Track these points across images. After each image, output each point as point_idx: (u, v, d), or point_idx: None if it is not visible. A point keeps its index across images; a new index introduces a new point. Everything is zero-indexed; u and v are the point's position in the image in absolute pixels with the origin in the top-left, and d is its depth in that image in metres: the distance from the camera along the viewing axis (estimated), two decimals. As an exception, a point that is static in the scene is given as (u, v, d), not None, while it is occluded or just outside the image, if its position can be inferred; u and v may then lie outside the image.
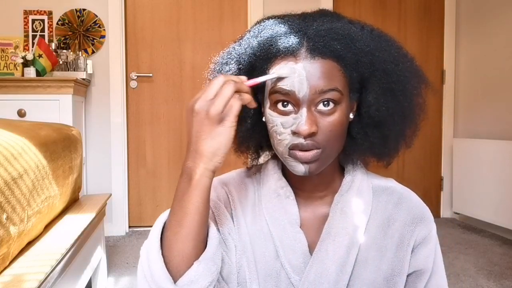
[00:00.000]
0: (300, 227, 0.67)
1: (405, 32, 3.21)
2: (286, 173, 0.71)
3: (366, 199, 0.68)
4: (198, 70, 2.94)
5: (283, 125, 0.60)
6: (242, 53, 0.66)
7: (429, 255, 0.67)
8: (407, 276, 0.67)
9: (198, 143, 0.55)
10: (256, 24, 0.69)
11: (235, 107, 0.54)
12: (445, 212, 3.26)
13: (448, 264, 2.13)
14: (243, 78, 0.58)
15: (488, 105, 2.92)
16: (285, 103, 0.60)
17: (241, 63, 0.66)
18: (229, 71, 0.67)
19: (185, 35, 2.94)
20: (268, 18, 0.67)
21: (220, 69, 0.69)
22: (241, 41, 0.69)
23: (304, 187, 0.69)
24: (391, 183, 0.72)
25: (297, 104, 0.60)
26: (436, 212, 3.24)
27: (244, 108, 0.68)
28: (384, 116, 0.64)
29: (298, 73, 0.59)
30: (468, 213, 2.95)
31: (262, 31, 0.65)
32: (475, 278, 2.02)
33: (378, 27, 0.67)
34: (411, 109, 0.66)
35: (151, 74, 2.89)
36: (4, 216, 0.93)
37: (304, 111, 0.59)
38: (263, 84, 0.64)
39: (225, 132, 0.55)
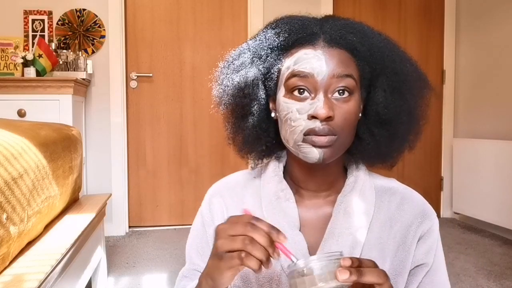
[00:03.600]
0: (302, 228, 0.66)
1: (405, 32, 3.20)
2: (290, 173, 0.72)
3: (369, 199, 0.68)
4: (198, 70, 2.95)
5: (299, 111, 0.61)
6: (257, 45, 0.67)
7: (430, 250, 0.67)
8: (410, 271, 0.67)
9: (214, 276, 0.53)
10: (270, 22, 0.69)
11: (234, 263, 0.49)
12: (445, 212, 3.26)
13: (448, 264, 2.12)
14: (282, 238, 0.49)
15: (488, 105, 2.92)
16: (301, 89, 0.61)
17: (255, 55, 0.66)
18: (241, 64, 0.67)
19: (185, 35, 2.94)
20: (283, 17, 0.69)
21: (232, 63, 0.69)
22: (255, 36, 0.69)
23: (307, 186, 0.69)
24: (394, 183, 0.72)
25: (314, 90, 0.60)
26: (436, 212, 3.23)
27: (249, 105, 0.67)
28: (392, 114, 0.65)
29: (318, 57, 0.60)
30: (468, 213, 2.95)
31: (279, 24, 0.66)
32: (475, 278, 2.02)
33: (379, 28, 0.68)
34: (416, 109, 0.67)
35: (151, 74, 2.89)
36: (4, 216, 0.93)
37: (321, 95, 0.60)
38: (276, 75, 0.64)
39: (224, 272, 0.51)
